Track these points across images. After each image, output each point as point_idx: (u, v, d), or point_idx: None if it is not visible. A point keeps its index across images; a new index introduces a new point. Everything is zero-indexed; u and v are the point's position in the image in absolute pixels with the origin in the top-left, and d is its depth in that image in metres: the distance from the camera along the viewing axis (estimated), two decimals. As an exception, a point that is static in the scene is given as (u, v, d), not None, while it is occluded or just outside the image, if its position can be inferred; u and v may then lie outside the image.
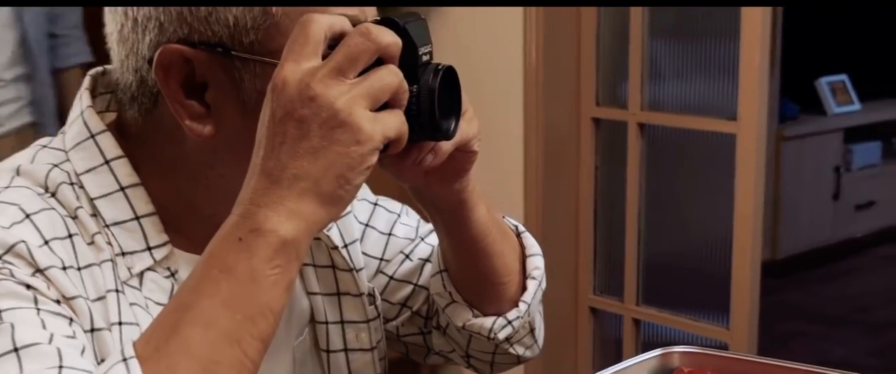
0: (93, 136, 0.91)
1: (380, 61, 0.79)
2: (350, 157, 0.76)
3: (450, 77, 0.84)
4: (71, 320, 0.82)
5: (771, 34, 4.35)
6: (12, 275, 0.80)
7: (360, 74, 0.77)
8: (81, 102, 0.94)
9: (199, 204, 0.93)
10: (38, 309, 0.80)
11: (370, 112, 0.77)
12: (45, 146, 0.93)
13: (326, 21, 0.78)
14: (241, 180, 0.80)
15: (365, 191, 1.16)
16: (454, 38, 2.99)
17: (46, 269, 0.82)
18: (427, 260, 1.13)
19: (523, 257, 1.09)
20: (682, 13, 2.75)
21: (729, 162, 2.53)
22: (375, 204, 1.15)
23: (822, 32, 5.21)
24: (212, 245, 0.77)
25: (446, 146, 0.88)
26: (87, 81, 0.96)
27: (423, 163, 0.87)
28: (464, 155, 0.92)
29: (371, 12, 0.88)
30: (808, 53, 5.12)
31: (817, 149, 5.03)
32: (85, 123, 0.92)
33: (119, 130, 0.94)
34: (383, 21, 0.82)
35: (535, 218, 2.84)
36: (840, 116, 5.21)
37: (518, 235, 1.10)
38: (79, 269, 0.86)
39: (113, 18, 0.90)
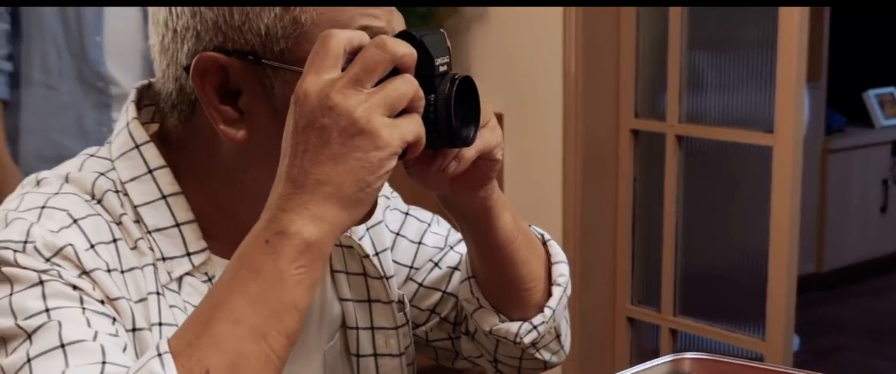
0: (137, 146, 0.96)
1: (396, 72, 0.82)
2: (369, 162, 0.80)
3: (466, 86, 0.88)
4: (114, 319, 0.87)
5: (818, 46, 4.35)
6: (60, 276, 0.85)
7: (377, 84, 0.81)
8: (127, 114, 0.98)
9: (235, 210, 0.96)
10: (84, 308, 0.85)
11: (388, 119, 0.80)
12: (92, 155, 0.98)
13: (345, 36, 0.82)
14: (272, 185, 0.84)
15: (397, 201, 1.19)
16: (496, 50, 3.04)
17: (92, 271, 0.87)
18: (455, 268, 1.16)
19: (549, 265, 1.12)
20: (721, 24, 2.77)
21: (766, 174, 2.54)
22: (407, 214, 1.19)
23: (870, 44, 5.18)
24: (241, 247, 0.82)
25: (469, 154, 0.91)
26: (133, 94, 1.00)
27: (447, 170, 0.91)
28: (487, 163, 0.95)
29: (397, 22, 0.92)
30: (855, 66, 5.09)
31: (865, 161, 4.99)
32: (130, 134, 0.97)
33: (162, 139, 0.98)
34: (401, 34, 0.86)
35: (573, 228, 2.87)
36: (888, 129, 5.17)
37: (544, 243, 1.13)
38: (122, 272, 0.91)
39: (155, 31, 0.95)
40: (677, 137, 2.76)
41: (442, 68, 0.87)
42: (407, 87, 0.82)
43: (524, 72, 2.97)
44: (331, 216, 0.80)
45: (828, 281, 4.82)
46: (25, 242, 0.86)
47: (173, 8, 0.92)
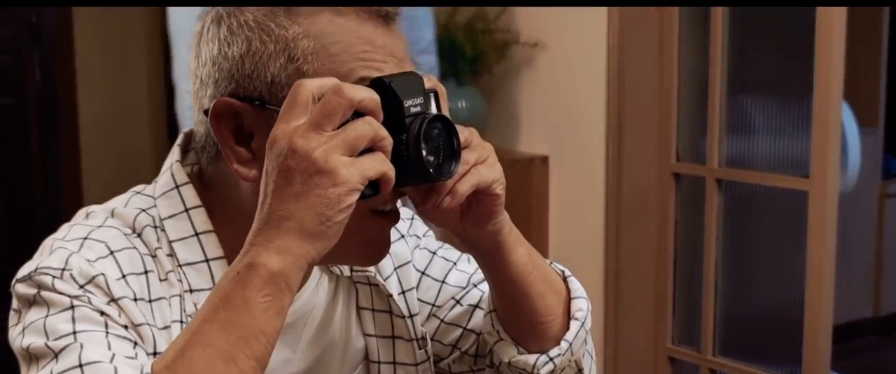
0: (177, 186, 1.05)
1: (359, 115, 0.89)
2: (328, 198, 0.86)
3: (439, 123, 0.93)
4: (135, 343, 0.95)
5: (874, 91, 4.35)
6: (90, 302, 0.94)
7: (339, 127, 0.87)
8: (171, 156, 1.07)
9: None
10: (107, 332, 0.94)
11: (347, 158, 0.87)
12: (138, 193, 1.07)
13: (315, 84, 0.89)
14: None
15: (429, 241, 1.24)
16: (542, 95, 3.13)
17: (120, 299, 0.96)
18: (477, 306, 1.21)
19: (568, 300, 1.15)
20: (762, 68, 2.83)
21: (803, 217, 2.58)
22: (434, 253, 1.23)
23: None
24: (219, 281, 0.91)
25: (462, 188, 0.96)
26: (180, 139, 1.09)
27: (441, 205, 0.97)
28: (487, 198, 0.99)
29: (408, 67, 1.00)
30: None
31: (923, 206, 4.94)
32: (172, 176, 1.05)
33: (199, 179, 1.06)
34: (373, 81, 0.93)
35: (615, 268, 2.93)
36: (949, 174, 5.11)
37: (565, 279, 1.17)
38: (149, 301, 0.99)
39: (188, 80, 1.06)
40: (717, 180, 2.81)
41: (413, 110, 0.93)
42: (365, 128, 0.88)
43: (569, 116, 3.05)
44: (295, 249, 0.87)
45: (885, 325, 4.77)
46: (64, 269, 0.95)
47: (199, 57, 1.02)
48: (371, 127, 0.88)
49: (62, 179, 4.49)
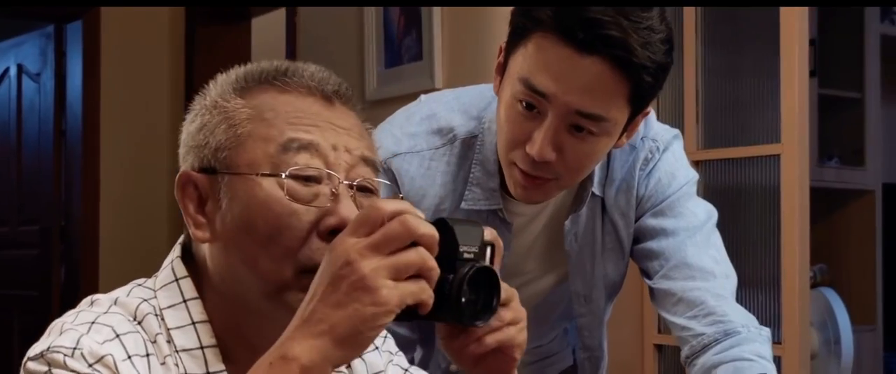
0: (177, 280, 1.11)
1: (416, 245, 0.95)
2: (365, 314, 0.92)
3: (484, 275, 0.98)
4: None
5: (870, 289, 4.40)
6: None
7: (394, 252, 0.93)
8: (173, 252, 1.14)
9: (240, 328, 1.10)
10: None
11: (392, 281, 0.92)
12: (140, 284, 1.13)
13: (390, 207, 0.95)
14: (240, 281, 1.04)
15: (401, 359, 1.28)
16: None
17: None
18: None
19: None
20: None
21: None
22: (406, 370, 1.28)
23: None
24: (252, 369, 0.94)
25: (489, 340, 1.03)
26: (183, 237, 1.15)
27: (467, 348, 1.05)
28: (505, 357, 1.06)
29: (347, 143, 1.08)
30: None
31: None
32: (173, 270, 1.12)
33: (194, 266, 1.12)
34: (437, 221, 0.98)
35: None
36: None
37: None
38: None
39: None
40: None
41: (467, 255, 0.98)
42: (416, 256, 0.93)
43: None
44: (324, 349, 0.93)
45: None
46: (75, 348, 1.00)
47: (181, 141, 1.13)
48: (421, 256, 0.94)
49: None
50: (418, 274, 0.94)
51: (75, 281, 4.96)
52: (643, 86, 1.40)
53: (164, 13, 5.13)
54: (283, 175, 1.05)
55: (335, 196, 1.06)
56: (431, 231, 0.95)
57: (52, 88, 5.18)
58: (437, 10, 3.60)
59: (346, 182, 1.07)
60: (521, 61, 1.42)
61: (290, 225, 1.05)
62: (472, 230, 0.99)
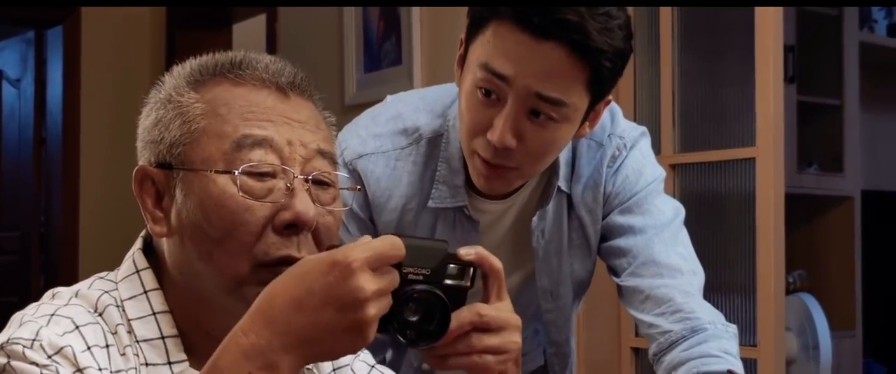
0: (138, 271, 1.12)
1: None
2: (356, 346, 0.94)
3: (427, 300, 0.98)
4: None
5: (850, 292, 4.42)
6: (57, 372, 0.99)
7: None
8: (135, 246, 1.14)
9: (198, 318, 1.10)
10: None
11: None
12: (101, 277, 1.13)
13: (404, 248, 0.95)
14: (197, 275, 1.05)
15: (367, 354, 1.30)
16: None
17: (85, 368, 1.01)
18: None
19: None
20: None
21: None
22: (372, 366, 1.28)
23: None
24: (222, 361, 0.93)
25: (451, 363, 1.04)
26: (144, 230, 1.15)
27: (422, 366, 1.10)
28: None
29: (301, 137, 1.08)
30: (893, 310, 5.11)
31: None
32: (133, 262, 1.12)
33: (155, 258, 1.13)
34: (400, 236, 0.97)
35: None
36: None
37: None
38: (112, 372, 1.04)
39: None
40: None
41: (412, 276, 0.97)
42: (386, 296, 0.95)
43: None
44: (305, 360, 0.94)
45: None
46: (33, 340, 1.00)
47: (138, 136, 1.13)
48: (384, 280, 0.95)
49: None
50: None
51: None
52: (602, 71, 1.40)
53: (145, 20, 5.13)
54: (236, 172, 1.05)
55: (290, 191, 1.06)
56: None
57: (32, 94, 5.17)
58: (416, 16, 3.61)
59: (300, 176, 1.07)
60: (480, 49, 1.43)
61: (245, 221, 1.04)
62: (427, 251, 0.98)
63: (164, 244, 1.11)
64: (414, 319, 0.98)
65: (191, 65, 1.12)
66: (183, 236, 1.07)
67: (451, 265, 1.01)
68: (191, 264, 1.08)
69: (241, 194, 1.04)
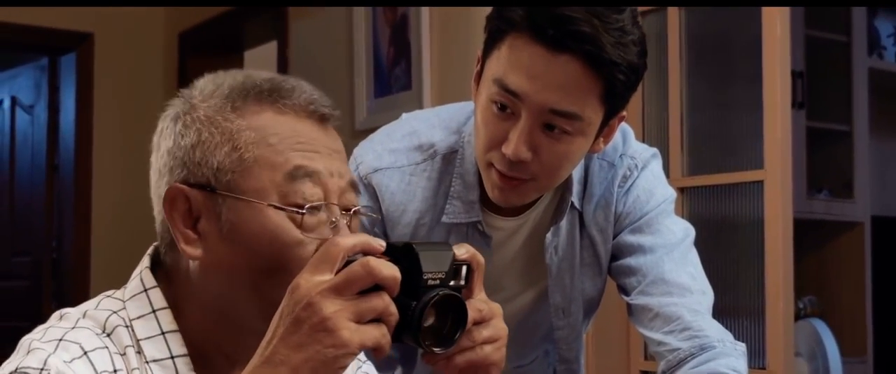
0: (146, 290, 1.11)
1: (379, 288, 0.96)
2: (326, 356, 0.93)
3: (448, 303, 0.99)
4: None
5: (861, 319, 4.40)
6: None
7: (356, 295, 0.94)
8: (142, 264, 1.14)
9: (220, 341, 1.10)
10: None
11: (353, 324, 0.93)
12: (109, 296, 1.13)
13: (349, 243, 0.97)
14: (236, 302, 1.05)
15: (370, 367, 1.30)
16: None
17: None
18: None
19: None
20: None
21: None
22: None
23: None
24: None
25: (459, 360, 1.04)
26: (151, 248, 1.15)
27: (437, 365, 1.05)
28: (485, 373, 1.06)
29: (339, 169, 1.09)
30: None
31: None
32: (141, 280, 1.12)
33: (166, 276, 1.13)
34: (404, 246, 0.99)
35: None
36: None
37: None
38: None
39: (152, 177, 1.13)
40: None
41: (431, 282, 0.98)
42: (378, 302, 0.95)
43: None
44: None
45: None
46: (42, 369, 1.00)
47: (158, 151, 1.12)
48: (383, 302, 0.96)
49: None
50: (379, 317, 0.95)
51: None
52: (616, 84, 1.41)
53: (158, 47, 5.16)
54: (302, 211, 1.06)
55: (334, 225, 1.08)
56: (393, 273, 0.96)
57: (45, 121, 5.20)
58: (426, 41, 3.63)
59: (342, 210, 1.09)
60: (495, 64, 1.45)
61: (298, 256, 1.06)
62: (439, 255, 1.00)
63: (191, 265, 1.10)
64: (431, 323, 0.99)
65: (226, 83, 1.12)
66: (224, 263, 1.07)
67: (455, 266, 1.03)
68: (229, 290, 1.08)
69: (297, 230, 1.06)
